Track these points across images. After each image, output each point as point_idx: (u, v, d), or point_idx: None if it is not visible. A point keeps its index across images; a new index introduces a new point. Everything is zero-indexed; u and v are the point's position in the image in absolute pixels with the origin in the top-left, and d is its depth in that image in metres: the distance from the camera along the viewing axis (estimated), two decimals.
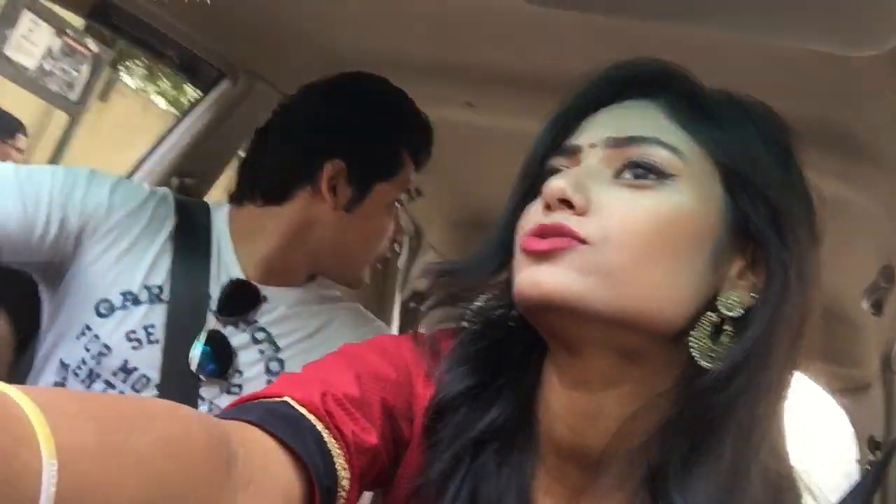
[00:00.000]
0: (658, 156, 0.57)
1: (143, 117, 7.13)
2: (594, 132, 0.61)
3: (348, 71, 1.17)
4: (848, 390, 2.00)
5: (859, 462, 1.88)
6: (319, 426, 0.56)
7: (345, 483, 0.56)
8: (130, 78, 8.36)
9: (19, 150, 4.13)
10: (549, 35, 1.00)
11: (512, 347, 0.64)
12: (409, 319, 2.04)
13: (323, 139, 1.11)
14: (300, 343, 1.11)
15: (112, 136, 6.56)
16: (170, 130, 1.47)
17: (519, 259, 0.58)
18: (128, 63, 8.12)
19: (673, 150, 0.57)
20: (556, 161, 0.62)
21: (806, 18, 0.67)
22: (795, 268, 0.56)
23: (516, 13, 0.94)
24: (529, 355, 0.64)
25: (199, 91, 1.49)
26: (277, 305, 1.12)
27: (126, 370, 1.02)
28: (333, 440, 0.56)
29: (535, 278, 0.55)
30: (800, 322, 0.57)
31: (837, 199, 1.12)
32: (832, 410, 2.06)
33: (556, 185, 0.56)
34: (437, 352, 0.67)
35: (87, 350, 1.03)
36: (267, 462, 0.51)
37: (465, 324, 0.67)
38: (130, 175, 1.44)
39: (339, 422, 0.57)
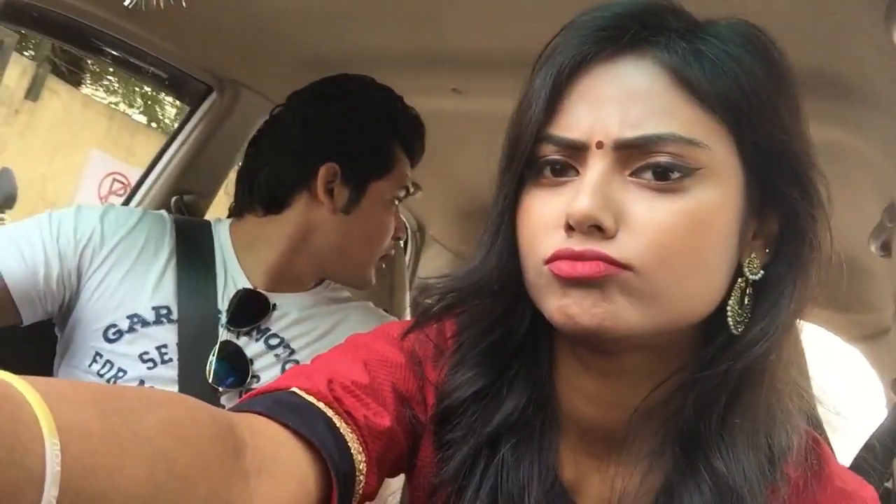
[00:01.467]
0: (680, 152, 0.51)
1: (83, 114, 6.67)
2: (596, 122, 0.53)
3: (332, 73, 1.17)
4: (867, 337, 1.99)
5: (888, 408, 1.87)
6: (329, 412, 0.55)
7: (362, 467, 0.55)
8: (106, 94, 8.08)
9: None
10: (528, 10, 0.99)
11: (517, 333, 0.62)
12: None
13: (314, 144, 1.11)
14: (315, 343, 1.11)
15: (51, 138, 6.20)
16: (163, 150, 1.47)
17: (547, 284, 0.53)
18: (102, 81, 7.93)
19: (694, 143, 0.51)
20: (553, 152, 0.55)
21: None
22: (815, 213, 0.55)
23: None
24: (537, 339, 0.62)
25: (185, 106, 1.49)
26: (288, 311, 1.12)
27: None
28: (345, 425, 0.55)
29: (582, 307, 0.51)
30: (814, 267, 0.56)
31: (832, 143, 1.11)
32: (855, 359, 2.05)
33: (582, 208, 0.50)
34: (443, 339, 0.66)
35: (101, 376, 1.03)
36: (278, 450, 0.50)
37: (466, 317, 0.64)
38: (129, 199, 1.45)
39: (348, 407, 0.57)
